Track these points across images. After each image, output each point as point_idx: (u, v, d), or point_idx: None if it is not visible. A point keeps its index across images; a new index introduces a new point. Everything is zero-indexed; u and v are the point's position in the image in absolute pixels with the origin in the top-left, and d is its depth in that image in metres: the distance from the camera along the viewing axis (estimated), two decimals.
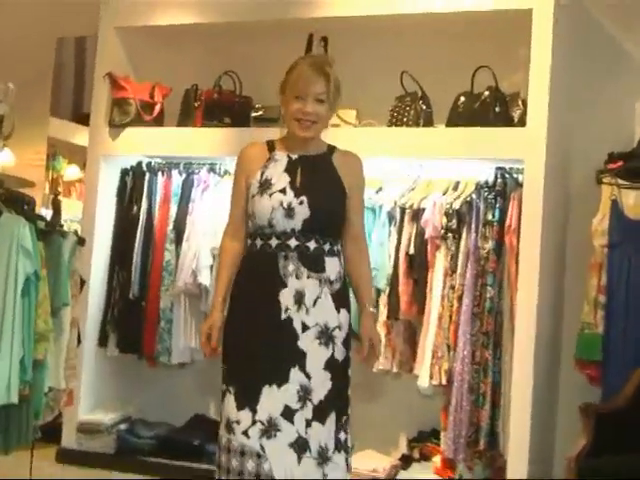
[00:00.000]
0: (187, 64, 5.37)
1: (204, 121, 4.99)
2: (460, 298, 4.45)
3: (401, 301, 4.57)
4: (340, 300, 3.49)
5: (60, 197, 6.72)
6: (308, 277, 3.42)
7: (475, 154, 4.48)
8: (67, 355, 3.72)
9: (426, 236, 4.53)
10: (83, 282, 3.92)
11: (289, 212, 3.40)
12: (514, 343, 4.30)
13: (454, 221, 4.51)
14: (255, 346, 3.37)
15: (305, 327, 3.40)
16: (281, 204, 3.40)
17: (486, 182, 4.53)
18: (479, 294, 4.43)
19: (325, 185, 3.51)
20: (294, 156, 3.51)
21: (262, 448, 3.31)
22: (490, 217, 4.45)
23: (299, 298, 3.41)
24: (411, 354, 4.64)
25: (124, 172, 5.19)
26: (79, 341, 3.91)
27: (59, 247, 3.57)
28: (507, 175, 4.49)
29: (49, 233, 3.56)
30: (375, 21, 4.75)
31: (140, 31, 5.21)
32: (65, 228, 5.02)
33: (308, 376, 3.38)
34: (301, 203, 3.41)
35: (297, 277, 3.41)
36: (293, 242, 3.42)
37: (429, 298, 4.52)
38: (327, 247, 3.46)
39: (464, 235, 4.51)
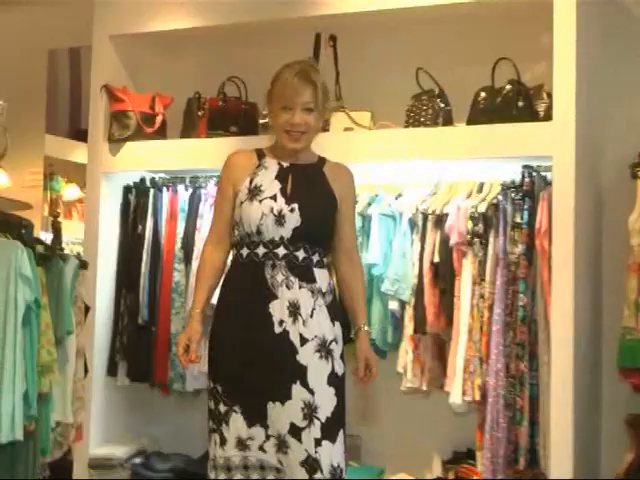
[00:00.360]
0: (188, 71, 5.40)
1: (209, 131, 5.00)
2: (491, 307, 4.42)
3: (428, 313, 4.54)
4: (334, 313, 3.62)
5: (60, 219, 6.73)
6: (300, 287, 3.54)
7: (499, 152, 4.44)
8: (74, 387, 3.74)
9: (451, 243, 4.51)
10: (88, 308, 3.93)
11: (279, 219, 3.55)
12: (551, 353, 4.26)
13: (480, 225, 4.49)
14: (251, 364, 3.47)
15: (304, 340, 3.50)
16: (271, 210, 3.53)
17: (512, 182, 4.49)
18: (511, 302, 4.39)
19: (317, 194, 3.66)
20: (285, 164, 3.67)
21: (280, 462, 3.45)
22: (518, 219, 4.42)
23: (294, 310, 3.51)
24: (441, 370, 4.62)
25: (127, 189, 5.21)
26: (86, 371, 3.93)
27: (60, 272, 3.58)
28: (534, 174, 4.46)
29: (49, 257, 3.57)
30: (386, 16, 4.74)
31: (136, 39, 5.22)
32: (66, 251, 5.09)
33: (311, 392, 3.46)
34: (292, 210, 3.55)
35: (288, 287, 3.52)
36: (281, 251, 3.54)
37: (457, 309, 4.49)
38: (316, 258, 3.60)
39: (491, 240, 4.48)
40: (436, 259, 4.55)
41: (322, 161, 3.78)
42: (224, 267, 3.68)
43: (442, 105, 4.61)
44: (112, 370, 5.13)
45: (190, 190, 5.09)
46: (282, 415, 3.44)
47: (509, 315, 4.39)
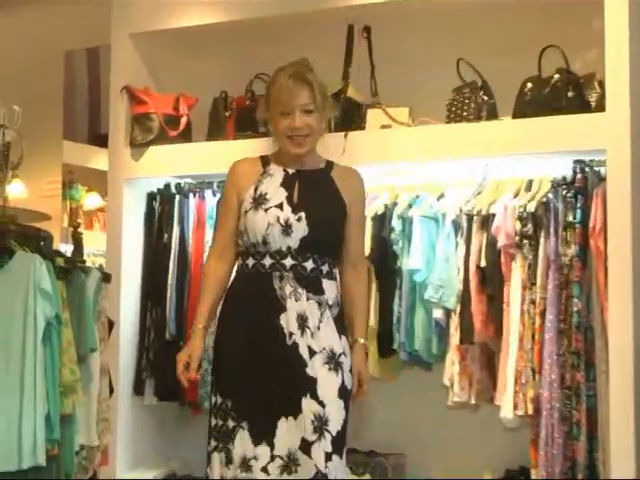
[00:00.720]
0: (213, 70, 5.40)
1: (237, 132, 5.03)
2: (542, 314, 4.38)
3: (475, 321, 4.52)
4: (341, 326, 3.70)
5: (81, 229, 6.79)
6: (308, 299, 3.61)
7: (548, 147, 4.41)
8: (99, 407, 3.75)
9: (498, 245, 4.48)
10: (112, 324, 3.95)
11: (286, 229, 3.63)
12: (609, 362, 4.23)
13: (529, 226, 4.45)
14: (262, 377, 3.54)
15: (312, 352, 3.58)
16: (278, 220, 3.60)
17: (563, 178, 4.45)
18: (564, 308, 4.35)
19: (324, 201, 3.73)
20: (291, 170, 3.74)
21: None
22: (571, 218, 4.38)
23: (302, 322, 3.58)
24: (490, 382, 4.60)
25: (151, 196, 5.24)
26: (111, 390, 3.95)
27: (82, 286, 3.60)
28: (587, 169, 4.42)
29: (70, 271, 3.59)
30: (423, 4, 4.73)
31: (158, 36, 5.26)
32: (88, 263, 5.12)
33: (322, 404, 3.52)
34: (299, 219, 3.62)
35: (296, 299, 3.60)
36: (289, 261, 3.62)
37: (507, 316, 4.46)
38: (325, 269, 3.67)
39: (542, 241, 4.44)
40: (482, 263, 4.53)
41: (330, 165, 3.83)
42: (228, 280, 3.75)
43: (485, 98, 4.61)
44: (139, 389, 5.16)
45: (218, 195, 5.09)
46: (294, 431, 3.50)
47: (563, 322, 4.36)
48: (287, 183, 3.69)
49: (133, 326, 5.19)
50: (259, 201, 3.63)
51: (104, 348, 3.83)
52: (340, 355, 3.60)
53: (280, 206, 3.62)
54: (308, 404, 3.49)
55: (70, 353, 3.47)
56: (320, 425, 3.49)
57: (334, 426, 3.51)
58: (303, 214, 3.60)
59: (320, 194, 3.72)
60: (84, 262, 3.89)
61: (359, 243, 3.86)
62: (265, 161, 3.78)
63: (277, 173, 3.72)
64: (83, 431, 3.61)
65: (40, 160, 6.74)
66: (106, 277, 3.84)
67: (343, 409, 3.56)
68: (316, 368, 3.54)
